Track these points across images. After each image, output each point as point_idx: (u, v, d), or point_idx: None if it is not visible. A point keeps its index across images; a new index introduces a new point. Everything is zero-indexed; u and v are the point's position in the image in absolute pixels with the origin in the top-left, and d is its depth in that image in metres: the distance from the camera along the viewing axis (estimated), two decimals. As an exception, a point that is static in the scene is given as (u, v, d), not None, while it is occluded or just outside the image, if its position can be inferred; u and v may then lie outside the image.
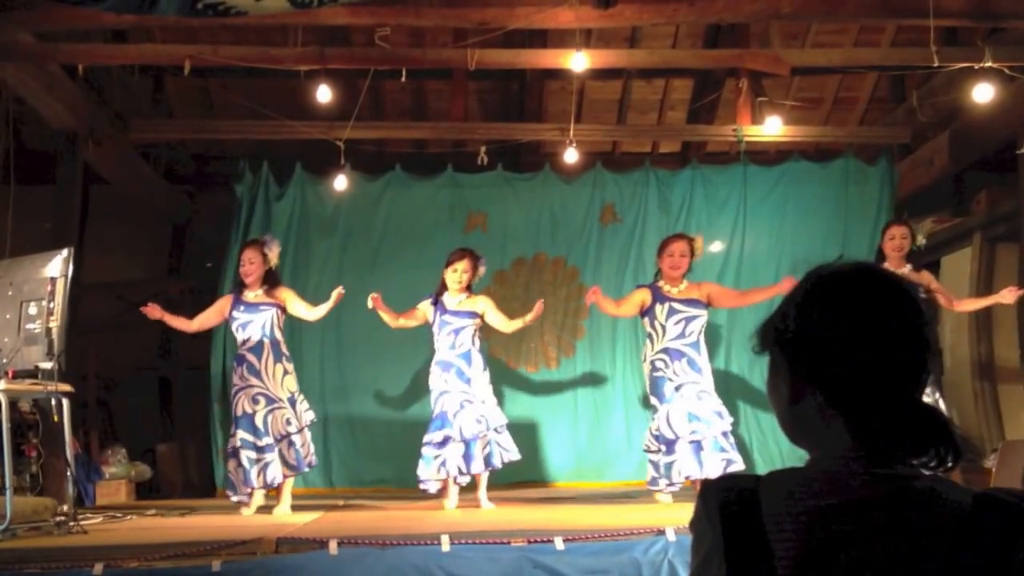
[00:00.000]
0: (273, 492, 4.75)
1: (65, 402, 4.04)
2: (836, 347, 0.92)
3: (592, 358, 6.12)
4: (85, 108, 5.73)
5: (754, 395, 5.98)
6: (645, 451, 4.79)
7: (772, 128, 6.10)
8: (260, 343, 4.65)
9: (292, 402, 4.68)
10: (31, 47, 5.05)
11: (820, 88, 7.10)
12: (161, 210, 7.34)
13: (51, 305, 3.85)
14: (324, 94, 5.32)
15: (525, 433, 6.05)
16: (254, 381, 4.59)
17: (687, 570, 1.45)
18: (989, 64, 4.81)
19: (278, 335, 4.72)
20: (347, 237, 6.29)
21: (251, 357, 4.63)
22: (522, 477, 5.93)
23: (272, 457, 4.54)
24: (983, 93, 4.91)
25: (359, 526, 3.87)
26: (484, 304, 4.75)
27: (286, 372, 4.70)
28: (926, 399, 0.96)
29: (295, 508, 4.69)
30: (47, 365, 3.87)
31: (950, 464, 0.91)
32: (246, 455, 4.52)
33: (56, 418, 4.01)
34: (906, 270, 4.56)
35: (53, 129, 5.67)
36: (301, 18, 4.71)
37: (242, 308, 4.70)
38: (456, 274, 4.68)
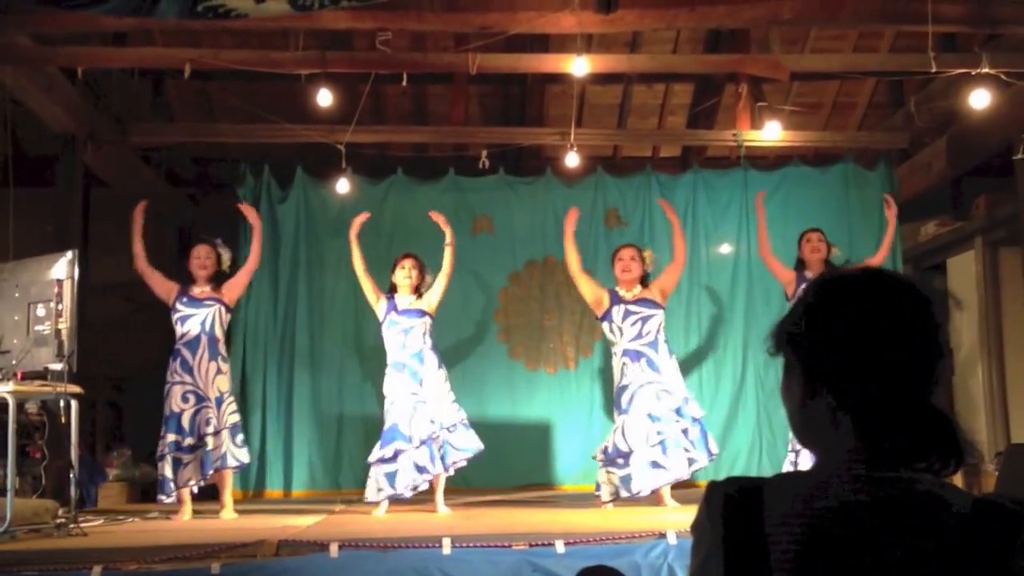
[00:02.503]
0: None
1: (74, 404, 4.02)
2: (847, 349, 0.92)
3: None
4: (84, 111, 5.73)
5: (768, 397, 6.02)
6: (594, 459, 4.85)
7: (772, 133, 6.13)
8: (197, 338, 4.62)
9: (219, 402, 4.64)
10: (29, 50, 5.02)
11: (819, 93, 7.12)
12: (164, 212, 7.33)
13: (59, 307, 3.84)
14: (325, 98, 5.33)
15: (539, 435, 6.09)
16: (186, 377, 4.57)
17: (686, 573, 1.45)
18: (986, 70, 4.83)
19: (218, 333, 4.69)
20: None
21: (186, 352, 4.60)
22: (531, 480, 5.96)
23: (190, 458, 4.53)
24: (980, 99, 4.92)
25: (361, 529, 3.86)
26: (427, 296, 4.76)
27: (219, 371, 4.65)
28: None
29: (303, 511, 4.67)
30: (57, 366, 3.85)
31: (952, 468, 0.91)
32: (172, 457, 4.52)
33: (64, 419, 3.98)
34: None
35: (52, 132, 5.67)
36: (302, 22, 4.71)
37: (185, 301, 4.67)
38: (404, 270, 4.73)
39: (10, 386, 3.78)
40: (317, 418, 6.11)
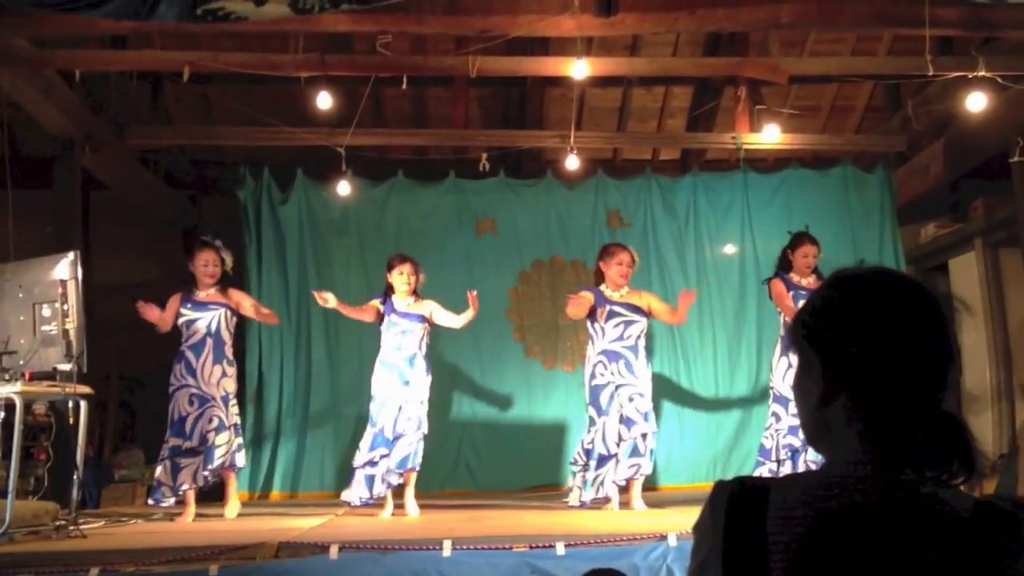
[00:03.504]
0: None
1: (83, 404, 4.00)
2: (861, 348, 0.92)
3: None
4: (82, 114, 5.74)
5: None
6: (572, 464, 4.85)
7: (770, 136, 6.14)
8: (203, 340, 4.61)
9: (225, 401, 4.62)
10: (27, 52, 5.02)
11: (817, 96, 7.15)
12: (165, 214, 7.33)
13: (65, 307, 3.81)
14: (325, 101, 5.33)
15: (552, 436, 6.11)
16: (189, 380, 4.56)
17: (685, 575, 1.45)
18: (983, 73, 4.85)
19: (224, 335, 4.67)
20: (362, 238, 6.34)
21: (190, 355, 4.60)
22: (541, 481, 5.97)
23: (188, 462, 4.53)
24: (976, 102, 4.94)
25: (363, 531, 3.85)
26: (431, 306, 4.75)
27: (225, 374, 4.64)
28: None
29: (309, 513, 4.65)
30: (65, 367, 3.82)
31: (961, 478, 0.90)
32: (170, 462, 4.52)
33: (72, 420, 3.95)
34: (811, 279, 4.65)
35: (50, 135, 5.67)
36: (302, 24, 4.70)
37: (190, 305, 4.68)
38: (403, 276, 4.71)
39: (17, 386, 3.75)
40: (334, 419, 6.12)
